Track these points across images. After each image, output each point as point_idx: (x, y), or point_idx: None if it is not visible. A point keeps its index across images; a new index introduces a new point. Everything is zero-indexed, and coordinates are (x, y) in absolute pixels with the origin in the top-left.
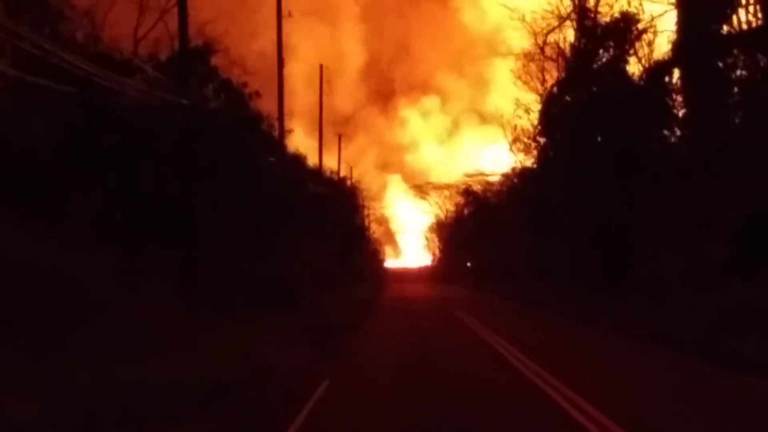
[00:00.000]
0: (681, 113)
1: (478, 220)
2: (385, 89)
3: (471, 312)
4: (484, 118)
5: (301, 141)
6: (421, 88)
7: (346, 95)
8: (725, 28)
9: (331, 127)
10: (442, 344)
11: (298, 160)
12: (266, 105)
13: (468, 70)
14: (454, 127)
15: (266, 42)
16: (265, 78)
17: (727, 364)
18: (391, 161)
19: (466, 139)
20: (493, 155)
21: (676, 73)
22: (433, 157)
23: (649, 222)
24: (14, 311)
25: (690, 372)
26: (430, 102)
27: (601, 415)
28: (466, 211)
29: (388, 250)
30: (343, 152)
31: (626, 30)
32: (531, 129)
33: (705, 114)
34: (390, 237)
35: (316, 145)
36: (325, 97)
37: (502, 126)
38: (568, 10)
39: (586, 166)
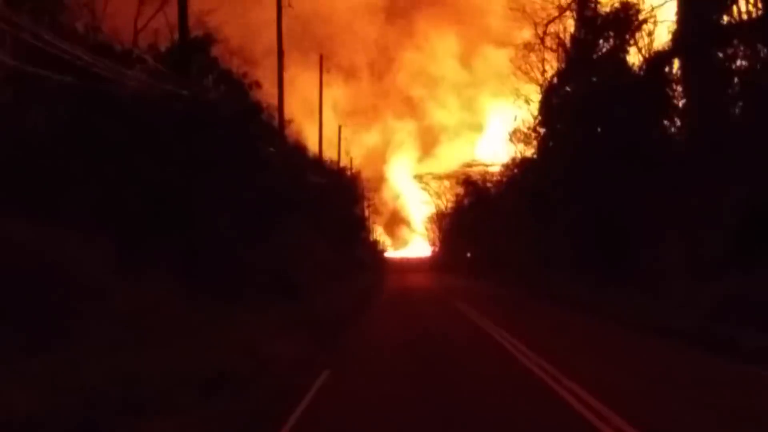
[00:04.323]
0: (681, 104)
1: (477, 211)
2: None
3: (471, 303)
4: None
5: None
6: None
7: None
8: (725, 18)
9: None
10: (442, 335)
11: (298, 150)
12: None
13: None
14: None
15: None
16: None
17: (725, 353)
18: (406, 109)
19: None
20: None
21: (676, 64)
22: (450, 106)
23: (649, 212)
24: (15, 302)
25: (688, 361)
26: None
27: (599, 404)
28: (465, 202)
29: (391, 235)
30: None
31: (626, 20)
32: (531, 119)
33: (705, 104)
34: (397, 218)
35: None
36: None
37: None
38: (569, 0)
39: (586, 157)
